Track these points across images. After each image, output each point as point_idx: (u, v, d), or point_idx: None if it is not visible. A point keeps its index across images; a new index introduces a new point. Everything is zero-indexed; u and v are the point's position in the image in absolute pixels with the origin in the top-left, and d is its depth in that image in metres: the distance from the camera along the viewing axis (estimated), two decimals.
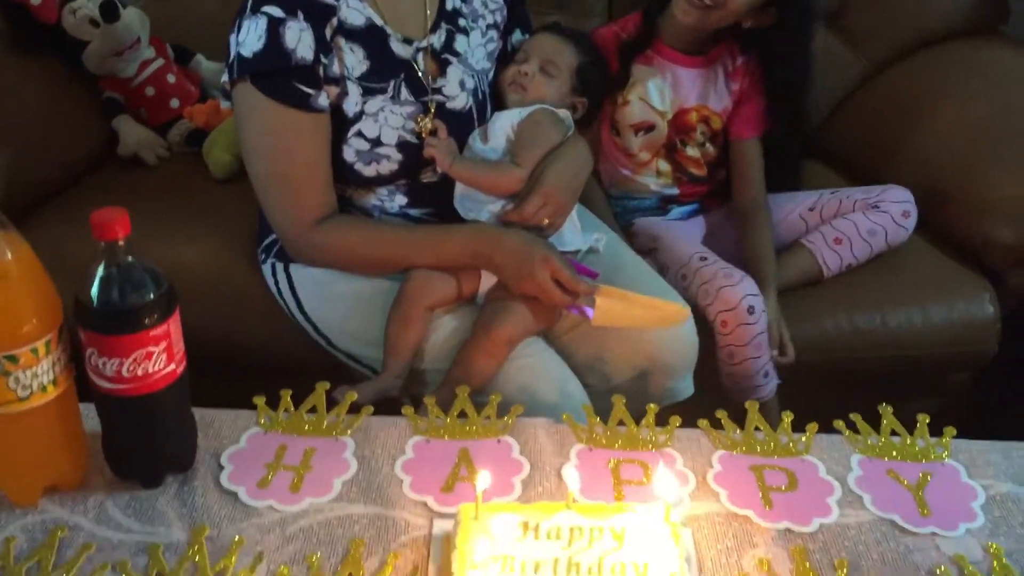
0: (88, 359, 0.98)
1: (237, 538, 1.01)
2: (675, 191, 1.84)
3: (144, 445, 1.05)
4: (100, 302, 0.95)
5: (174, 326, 1.00)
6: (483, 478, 0.99)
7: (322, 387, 1.21)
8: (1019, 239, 1.73)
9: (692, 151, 1.81)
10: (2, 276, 0.93)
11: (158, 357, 0.99)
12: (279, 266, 1.52)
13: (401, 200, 1.49)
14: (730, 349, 1.63)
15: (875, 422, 1.20)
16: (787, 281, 1.72)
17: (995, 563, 1.02)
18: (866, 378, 1.66)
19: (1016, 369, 1.79)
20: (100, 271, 0.95)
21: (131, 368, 0.98)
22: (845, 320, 1.70)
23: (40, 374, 0.97)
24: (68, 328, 1.00)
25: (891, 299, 1.72)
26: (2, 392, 0.96)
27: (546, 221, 1.45)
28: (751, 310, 1.61)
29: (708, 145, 1.81)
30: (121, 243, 0.94)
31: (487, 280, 1.47)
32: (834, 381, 1.70)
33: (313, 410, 1.19)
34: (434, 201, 1.50)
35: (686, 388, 1.57)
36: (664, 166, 1.81)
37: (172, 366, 1.01)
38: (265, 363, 1.61)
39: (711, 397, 1.52)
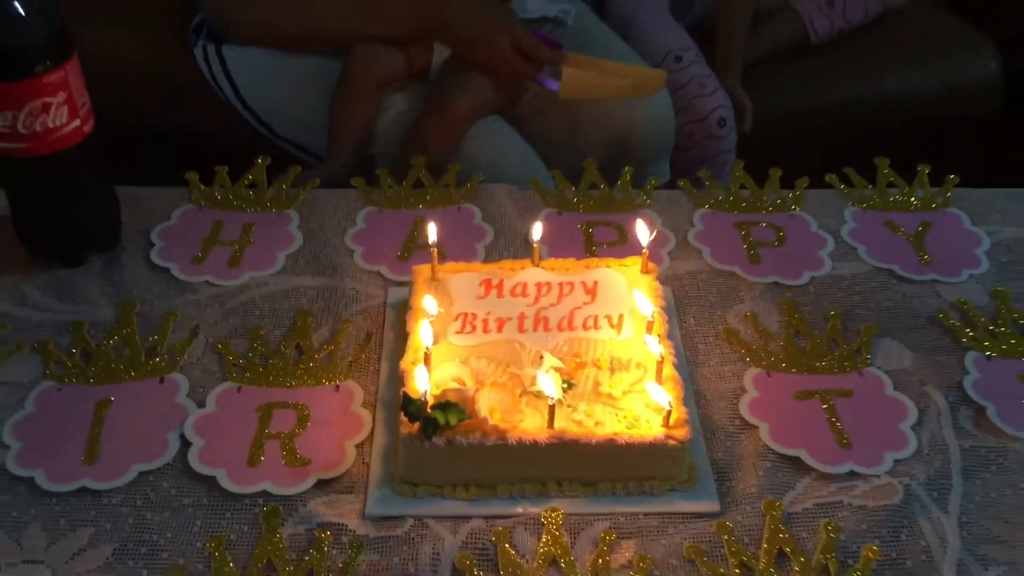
0: None
1: (170, 312, 0.91)
2: None
3: (58, 217, 0.93)
4: None
5: (73, 74, 0.87)
6: (431, 230, 0.88)
7: (263, 162, 1.09)
8: None
9: None
10: None
11: (57, 110, 0.86)
12: (211, 48, 1.37)
13: None
14: (692, 157, 1.52)
15: (871, 180, 1.11)
16: (770, 49, 1.59)
17: (1001, 306, 0.94)
18: (860, 146, 1.57)
19: (1020, 131, 1.69)
20: None
21: (27, 122, 0.85)
22: (836, 87, 1.59)
23: None
24: None
25: (885, 63, 1.61)
26: None
27: None
28: (722, 123, 1.50)
29: None
30: None
31: (439, 53, 1.33)
32: (826, 152, 1.60)
33: (252, 186, 1.08)
34: None
35: (662, 174, 1.47)
36: None
37: (76, 122, 0.88)
38: (206, 160, 1.47)
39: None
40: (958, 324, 0.92)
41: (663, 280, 0.94)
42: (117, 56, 1.44)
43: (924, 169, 1.10)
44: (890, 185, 1.10)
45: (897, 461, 0.79)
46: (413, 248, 1.00)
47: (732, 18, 1.61)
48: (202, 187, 1.07)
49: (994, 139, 1.73)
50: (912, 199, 1.08)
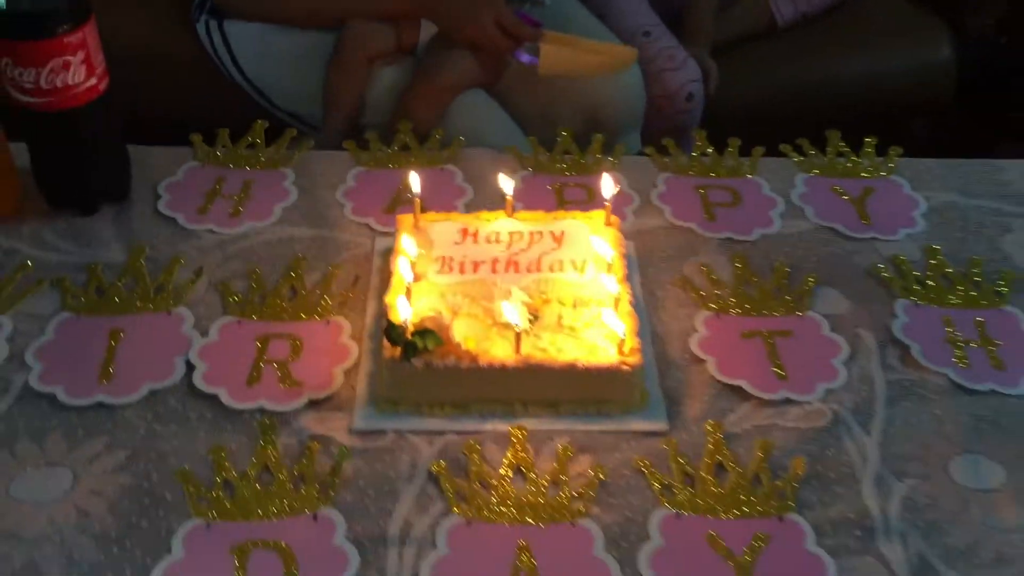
0: (4, 71, 0.94)
1: (176, 256, 1.00)
2: None
3: (74, 169, 1.02)
4: (10, 5, 0.91)
5: (91, 36, 0.96)
6: (414, 180, 0.97)
7: (260, 125, 1.18)
8: None
9: None
10: None
11: (76, 68, 0.95)
12: (213, 23, 1.46)
13: None
14: (662, 130, 1.61)
15: (824, 152, 1.20)
16: (738, 32, 1.68)
17: (932, 261, 1.03)
18: (822, 127, 1.66)
19: (974, 116, 1.78)
20: None
21: (49, 79, 0.94)
22: (800, 70, 1.67)
23: None
24: None
25: (846, 47, 1.69)
26: None
27: None
28: (690, 97, 1.58)
29: None
30: None
31: (427, 30, 1.42)
32: (791, 135, 1.70)
33: (252, 146, 1.16)
34: None
35: (633, 144, 1.56)
36: None
37: (93, 80, 0.97)
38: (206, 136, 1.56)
39: None
40: (892, 276, 1.01)
41: (626, 235, 1.03)
42: (120, 34, 1.52)
43: (871, 141, 1.19)
44: (840, 155, 1.19)
45: (828, 391, 0.89)
46: (399, 204, 1.09)
47: None
48: (205, 147, 1.15)
49: (954, 121, 1.82)
50: (859, 168, 1.17)
